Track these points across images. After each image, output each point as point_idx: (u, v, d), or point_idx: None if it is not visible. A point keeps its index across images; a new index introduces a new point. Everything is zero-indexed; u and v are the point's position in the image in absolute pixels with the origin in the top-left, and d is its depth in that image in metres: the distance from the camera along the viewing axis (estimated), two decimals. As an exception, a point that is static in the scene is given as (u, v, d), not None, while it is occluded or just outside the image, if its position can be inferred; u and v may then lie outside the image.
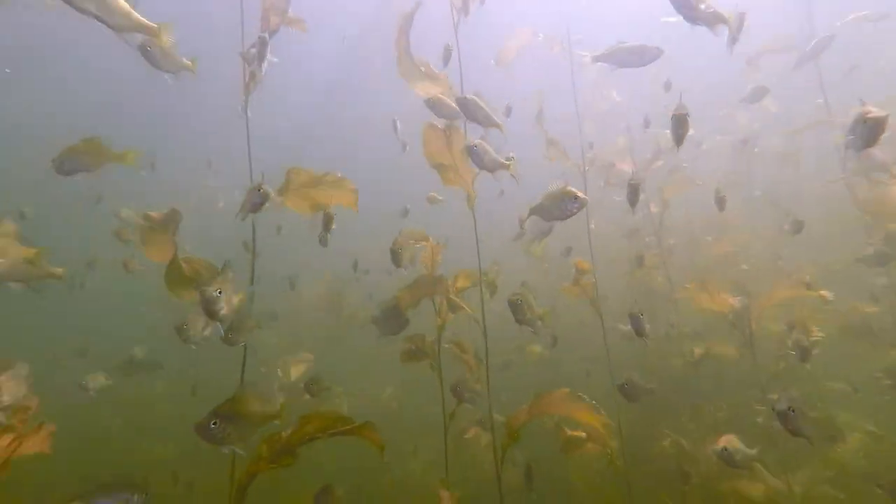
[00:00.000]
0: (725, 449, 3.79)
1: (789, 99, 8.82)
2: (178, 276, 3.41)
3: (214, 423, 2.53)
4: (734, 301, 4.98)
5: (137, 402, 8.87)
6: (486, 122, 3.94)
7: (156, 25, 3.03)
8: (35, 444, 2.43)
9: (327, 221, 4.59)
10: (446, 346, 4.56)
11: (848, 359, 6.13)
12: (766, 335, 5.41)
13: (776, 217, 7.00)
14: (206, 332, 4.44)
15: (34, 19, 16.30)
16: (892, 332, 5.85)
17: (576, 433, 5.45)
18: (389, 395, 8.55)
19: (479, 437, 6.41)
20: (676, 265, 7.11)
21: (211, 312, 2.67)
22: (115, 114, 19.59)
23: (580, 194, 3.01)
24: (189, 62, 3.29)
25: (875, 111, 2.90)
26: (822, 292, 4.59)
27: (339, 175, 4.11)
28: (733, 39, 3.48)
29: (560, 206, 3.07)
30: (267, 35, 3.29)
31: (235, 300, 2.83)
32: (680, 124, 3.34)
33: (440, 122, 4.30)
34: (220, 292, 2.64)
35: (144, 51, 3.07)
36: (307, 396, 5.44)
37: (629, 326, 3.76)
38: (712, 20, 3.50)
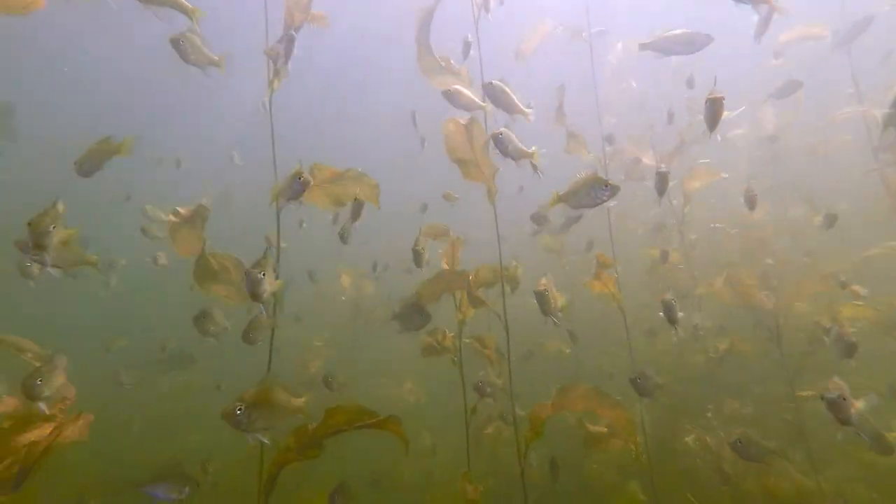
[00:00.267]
0: (739, 441, 3.73)
1: (815, 89, 8.58)
2: (206, 271, 3.48)
3: (240, 410, 2.58)
4: (761, 296, 4.89)
5: (167, 396, 9.10)
6: (511, 108, 3.93)
7: (190, 6, 3.09)
8: (74, 432, 2.51)
9: (357, 210, 4.32)
10: (466, 340, 4.57)
11: (880, 355, 5.97)
12: (794, 330, 5.29)
13: (804, 210, 6.84)
14: (223, 326, 4.53)
15: (67, 18, 16.62)
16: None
17: (598, 429, 5.42)
18: (409, 389, 8.60)
19: (500, 432, 6.41)
20: (699, 260, 7.00)
21: (255, 294, 2.74)
22: (137, 113, 20.00)
23: (611, 181, 2.97)
24: (217, 58, 3.34)
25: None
26: (855, 287, 4.47)
27: (360, 171, 4.16)
28: (767, 21, 3.40)
29: (590, 194, 3.02)
30: (295, 32, 3.32)
31: (276, 285, 2.89)
32: (715, 108, 3.15)
33: (461, 117, 4.30)
34: (263, 275, 2.70)
35: (176, 44, 3.12)
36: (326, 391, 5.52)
37: (661, 314, 3.70)
38: None
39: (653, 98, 8.32)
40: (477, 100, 4.34)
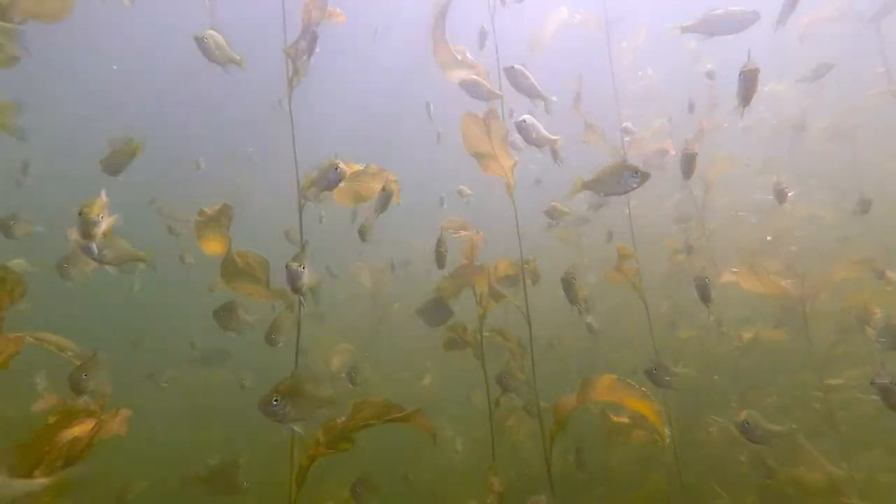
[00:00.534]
0: (746, 423, 3.67)
1: (840, 72, 8.35)
2: (233, 269, 3.53)
3: (276, 401, 2.64)
4: (786, 284, 4.80)
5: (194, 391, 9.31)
6: (532, 93, 3.92)
7: None
8: (113, 427, 2.59)
9: (384, 201, 4.08)
10: (487, 334, 4.58)
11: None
12: (821, 318, 5.19)
13: (831, 197, 6.69)
14: (246, 321, 4.61)
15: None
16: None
17: (621, 419, 5.40)
18: (430, 384, 8.66)
19: (521, 425, 6.42)
20: (720, 249, 6.89)
21: (295, 287, 2.78)
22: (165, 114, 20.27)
23: (641, 168, 2.93)
24: (237, 56, 3.38)
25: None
26: (889, 273, 4.37)
27: (379, 167, 4.17)
28: (793, 4, 3.31)
29: (618, 181, 2.98)
30: (317, 29, 3.34)
31: (314, 278, 2.95)
32: (749, 81, 2.99)
33: (478, 110, 4.29)
34: (303, 268, 2.75)
35: (200, 41, 3.17)
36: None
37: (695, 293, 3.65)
38: None
39: (671, 86, 8.19)
40: (494, 89, 4.33)
